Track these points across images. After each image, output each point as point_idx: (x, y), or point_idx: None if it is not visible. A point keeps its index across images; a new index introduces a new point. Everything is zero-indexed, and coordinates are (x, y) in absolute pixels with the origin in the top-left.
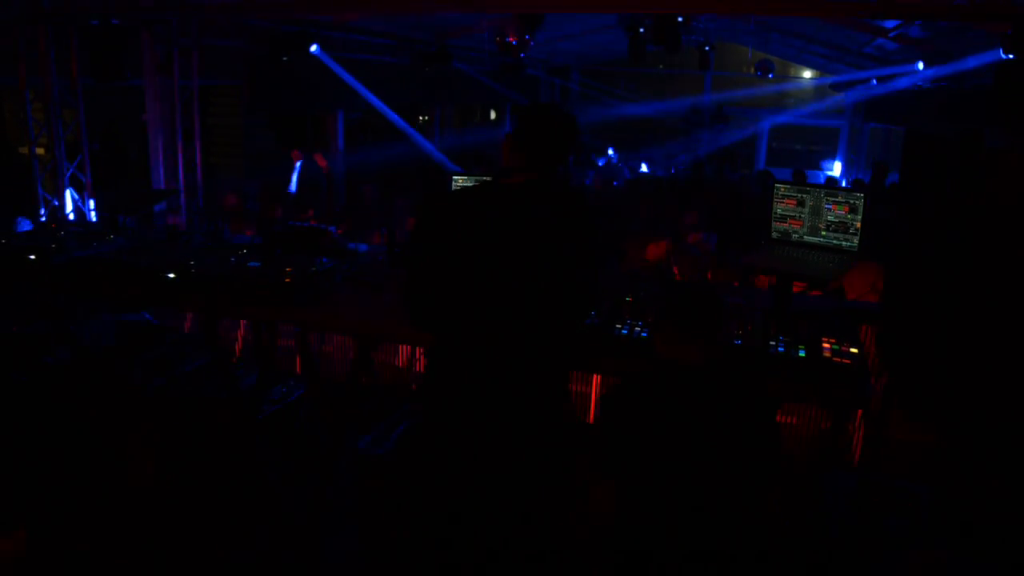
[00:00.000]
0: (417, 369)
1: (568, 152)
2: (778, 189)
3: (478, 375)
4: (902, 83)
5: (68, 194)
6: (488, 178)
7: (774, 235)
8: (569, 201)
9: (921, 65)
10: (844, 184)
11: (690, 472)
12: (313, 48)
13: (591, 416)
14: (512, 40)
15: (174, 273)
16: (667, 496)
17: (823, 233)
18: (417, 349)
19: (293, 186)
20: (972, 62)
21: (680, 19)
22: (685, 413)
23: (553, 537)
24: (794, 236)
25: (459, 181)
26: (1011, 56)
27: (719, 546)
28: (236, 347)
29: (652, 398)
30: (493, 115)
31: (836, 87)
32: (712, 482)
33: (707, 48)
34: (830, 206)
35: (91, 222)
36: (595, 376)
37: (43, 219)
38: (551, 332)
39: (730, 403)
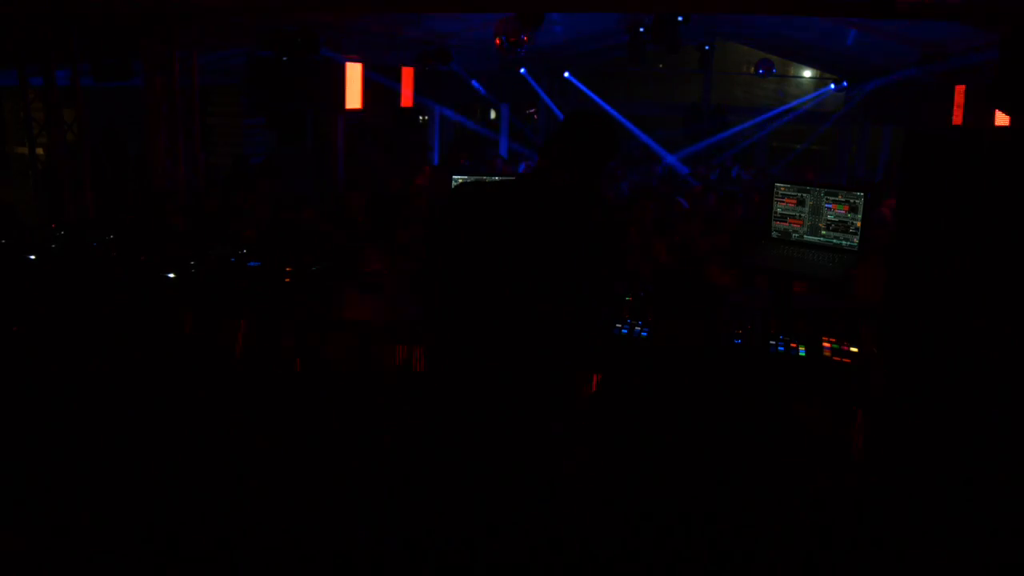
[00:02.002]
0: (416, 369)
1: (599, 159)
2: (778, 189)
3: (477, 376)
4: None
5: (67, 194)
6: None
7: (774, 234)
8: (586, 207)
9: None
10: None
11: (690, 455)
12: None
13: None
14: (512, 40)
15: (174, 273)
16: (667, 480)
17: (823, 232)
18: (416, 349)
19: None
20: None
21: (680, 19)
22: (686, 394)
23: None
24: (794, 235)
25: (458, 181)
26: (1010, 56)
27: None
28: (236, 347)
29: (653, 384)
30: (493, 115)
31: (837, 86)
32: (713, 466)
33: (707, 48)
34: (830, 205)
35: (91, 221)
36: (595, 376)
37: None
38: (556, 337)
39: (733, 388)
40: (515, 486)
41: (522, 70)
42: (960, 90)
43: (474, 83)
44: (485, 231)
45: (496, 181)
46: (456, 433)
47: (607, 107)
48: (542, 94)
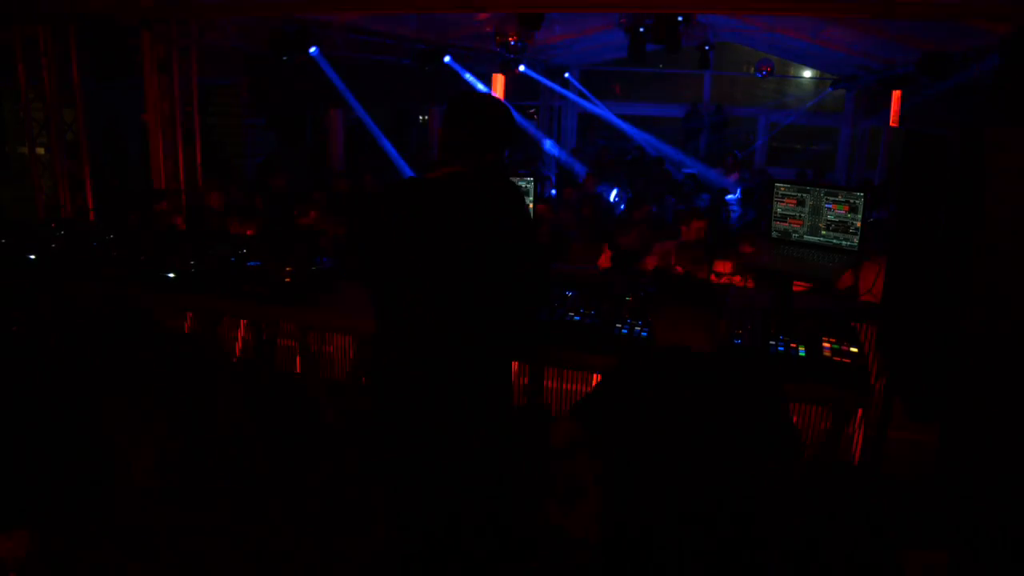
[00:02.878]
0: None
1: (497, 142)
2: (778, 189)
3: (418, 369)
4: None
5: (68, 194)
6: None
7: (774, 234)
8: (499, 193)
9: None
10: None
11: (692, 457)
12: (312, 50)
13: None
14: (512, 40)
15: (174, 273)
16: (665, 482)
17: (823, 232)
18: None
19: None
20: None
21: (680, 19)
22: (691, 395)
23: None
24: (794, 235)
25: None
26: (1010, 55)
27: (715, 534)
28: (236, 347)
29: (656, 379)
30: None
31: (836, 86)
32: (714, 469)
33: (707, 48)
34: (830, 205)
35: (91, 221)
36: (595, 376)
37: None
38: (489, 326)
39: (738, 387)
40: (465, 479)
41: (522, 68)
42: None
43: (468, 77)
44: (398, 230)
45: (399, 183)
46: (402, 424)
47: (608, 112)
48: (557, 89)
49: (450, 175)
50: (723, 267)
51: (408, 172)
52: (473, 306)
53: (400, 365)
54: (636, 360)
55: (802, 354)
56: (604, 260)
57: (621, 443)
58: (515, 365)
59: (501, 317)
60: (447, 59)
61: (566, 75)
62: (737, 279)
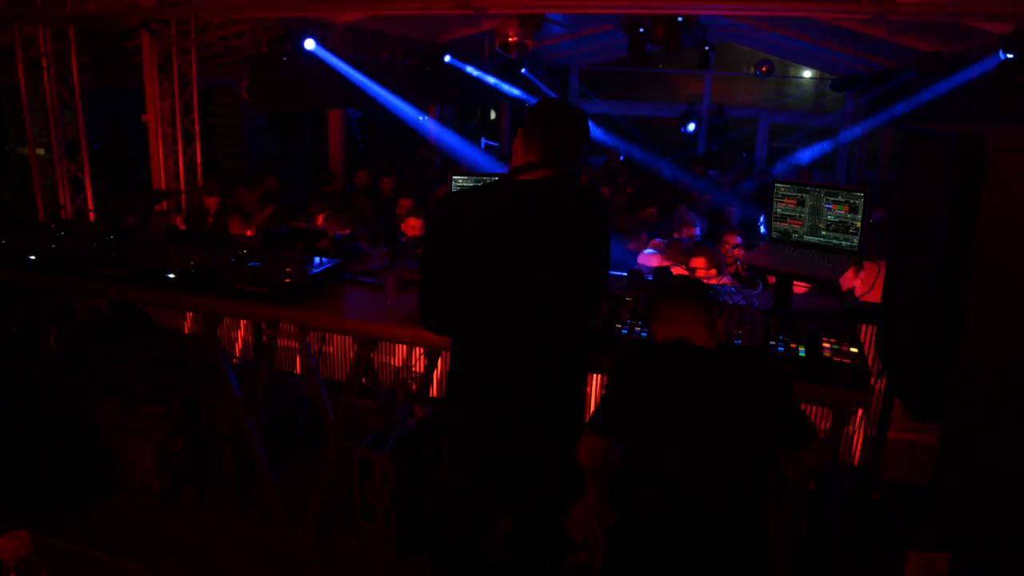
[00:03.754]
0: (416, 370)
1: (581, 148)
2: (778, 189)
3: (500, 374)
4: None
5: (67, 194)
6: (498, 177)
7: (774, 235)
8: (585, 197)
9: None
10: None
11: (697, 447)
12: (312, 46)
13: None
14: (513, 40)
15: (174, 273)
16: (670, 472)
17: (823, 233)
18: (416, 349)
19: None
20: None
21: (680, 19)
22: (697, 385)
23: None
24: (794, 236)
25: (459, 181)
26: (1011, 56)
27: (717, 536)
28: (236, 347)
29: (663, 369)
30: (493, 115)
31: (836, 86)
32: (719, 460)
33: (707, 48)
34: (830, 206)
35: (91, 221)
36: (595, 376)
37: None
38: (569, 329)
39: (743, 377)
40: (548, 481)
41: (522, 70)
42: None
43: (484, 80)
44: (483, 233)
45: (487, 185)
46: (483, 426)
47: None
48: (546, 93)
49: (543, 178)
50: (698, 263)
51: (473, 154)
52: (556, 308)
53: (481, 369)
54: (640, 358)
55: (802, 354)
56: None
57: (628, 441)
58: None
59: (576, 319)
60: (447, 58)
61: (570, 78)
62: (713, 272)
